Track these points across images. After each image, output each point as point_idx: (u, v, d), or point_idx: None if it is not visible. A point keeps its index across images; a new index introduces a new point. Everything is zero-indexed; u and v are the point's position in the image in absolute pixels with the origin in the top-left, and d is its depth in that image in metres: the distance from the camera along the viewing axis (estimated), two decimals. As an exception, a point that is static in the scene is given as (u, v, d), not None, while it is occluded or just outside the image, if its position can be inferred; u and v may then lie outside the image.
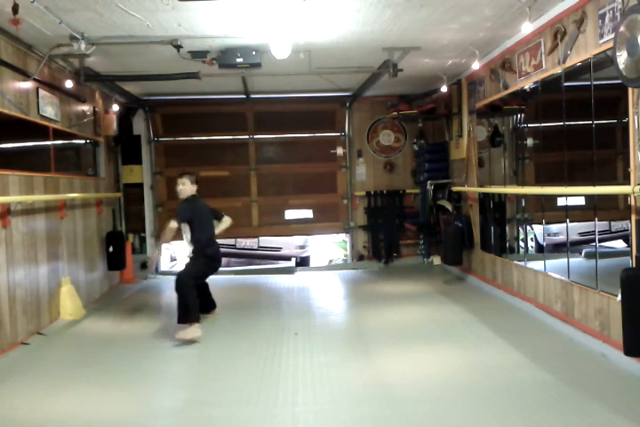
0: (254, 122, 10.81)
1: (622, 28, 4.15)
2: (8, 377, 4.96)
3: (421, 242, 10.83)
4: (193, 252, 6.34)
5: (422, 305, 7.37)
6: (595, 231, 5.70)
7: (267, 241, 12.60)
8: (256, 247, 12.71)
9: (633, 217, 4.57)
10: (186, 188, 6.39)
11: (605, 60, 4.84)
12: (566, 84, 5.68)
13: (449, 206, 9.65)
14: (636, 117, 4.44)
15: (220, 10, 5.43)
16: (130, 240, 10.08)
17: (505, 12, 5.76)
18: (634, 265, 4.57)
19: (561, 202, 6.28)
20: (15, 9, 4.81)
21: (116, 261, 8.90)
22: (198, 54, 6.87)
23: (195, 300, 6.09)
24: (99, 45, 6.25)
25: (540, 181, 7.44)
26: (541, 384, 4.42)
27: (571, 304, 5.76)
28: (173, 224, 6.16)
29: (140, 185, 10.56)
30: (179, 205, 6.47)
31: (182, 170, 6.82)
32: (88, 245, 8.10)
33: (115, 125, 9.10)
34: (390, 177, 10.97)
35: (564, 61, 5.62)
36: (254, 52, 6.78)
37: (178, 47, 6.41)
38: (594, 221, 5.54)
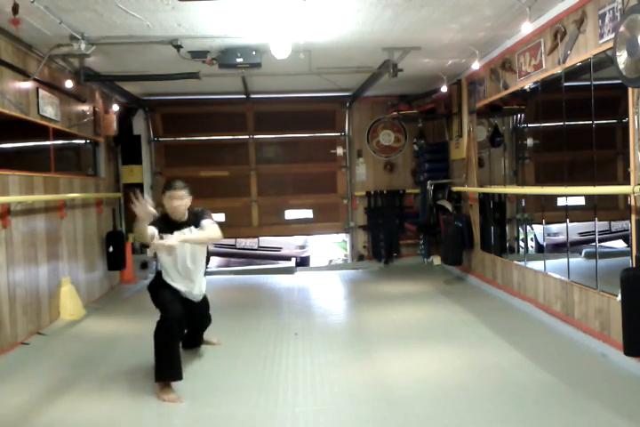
0: (254, 122, 10.81)
1: (622, 28, 4.15)
2: (8, 377, 4.95)
3: (421, 242, 10.82)
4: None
5: (422, 305, 7.37)
6: (595, 231, 5.70)
7: (267, 241, 12.60)
8: (256, 247, 12.71)
9: (633, 217, 4.57)
10: (187, 202, 4.86)
11: (605, 60, 4.84)
12: (566, 84, 5.68)
13: (449, 206, 9.65)
14: (635, 117, 4.44)
15: (220, 10, 5.43)
16: (130, 240, 10.06)
17: (505, 12, 5.76)
18: (634, 265, 4.57)
19: (561, 202, 6.28)
20: (15, 9, 4.80)
21: (116, 261, 8.89)
22: (198, 54, 6.87)
23: None
24: (99, 45, 6.25)
25: (539, 181, 7.44)
26: (541, 384, 4.42)
27: (571, 304, 5.76)
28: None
29: (140, 185, 10.55)
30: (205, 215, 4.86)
31: (169, 178, 4.83)
32: (88, 245, 8.10)
33: (115, 125, 9.10)
34: (390, 177, 10.97)
35: (564, 61, 5.62)
36: (254, 52, 6.78)
37: (178, 47, 6.41)
38: (594, 221, 5.55)
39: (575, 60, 5.41)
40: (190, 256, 4.89)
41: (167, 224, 4.78)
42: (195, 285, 4.99)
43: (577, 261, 6.27)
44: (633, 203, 4.51)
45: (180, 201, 4.77)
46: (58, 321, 6.73)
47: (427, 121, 10.39)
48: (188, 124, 10.69)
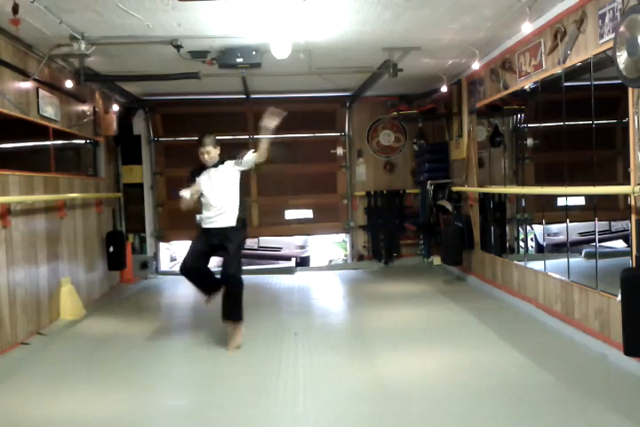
0: (254, 122, 10.76)
1: (622, 28, 4.15)
2: (8, 377, 4.95)
3: (421, 242, 10.82)
4: (239, 221, 5.81)
5: (422, 305, 7.37)
6: (595, 231, 5.70)
7: (267, 241, 12.59)
8: (256, 247, 12.69)
9: (633, 217, 4.57)
10: (213, 154, 5.71)
11: (605, 60, 4.84)
12: (566, 84, 5.68)
13: (449, 206, 9.64)
14: (636, 117, 4.44)
15: (220, 10, 5.43)
16: (130, 240, 10.07)
17: (505, 12, 5.76)
18: (634, 265, 4.57)
19: (561, 202, 6.28)
20: (15, 9, 4.80)
21: (116, 261, 8.89)
22: (198, 54, 6.87)
23: None
24: (99, 45, 6.25)
25: (539, 181, 7.44)
26: (541, 384, 4.42)
27: (571, 304, 5.76)
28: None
29: (140, 185, 10.56)
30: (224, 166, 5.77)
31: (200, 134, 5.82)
32: (88, 245, 8.10)
33: (115, 125, 9.10)
34: (390, 177, 10.97)
35: (564, 61, 5.62)
36: (254, 52, 6.78)
37: (178, 47, 6.41)
38: (594, 221, 5.54)
39: (575, 60, 5.41)
40: None
41: (201, 169, 5.83)
42: None
43: (577, 261, 6.27)
44: (633, 203, 4.51)
45: (208, 155, 5.72)
46: (58, 321, 6.73)
47: (427, 121, 10.38)
48: (188, 124, 10.66)
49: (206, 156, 5.73)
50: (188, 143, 10.73)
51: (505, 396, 4.23)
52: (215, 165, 5.79)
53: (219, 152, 5.79)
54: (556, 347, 5.38)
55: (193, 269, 5.82)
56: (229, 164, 5.79)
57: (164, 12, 5.41)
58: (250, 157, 5.77)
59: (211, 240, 5.76)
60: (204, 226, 5.83)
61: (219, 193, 5.77)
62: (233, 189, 5.85)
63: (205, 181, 5.80)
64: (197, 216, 5.89)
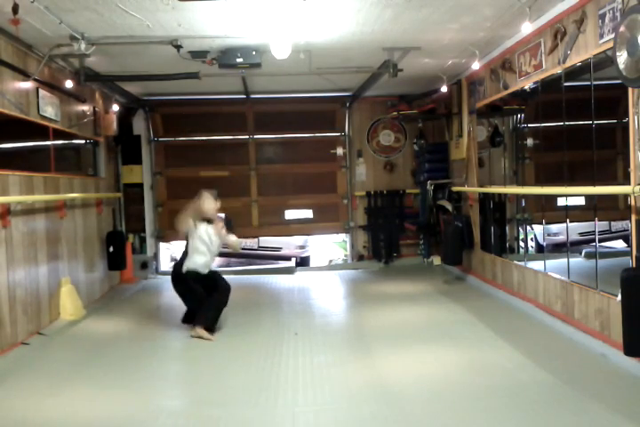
0: (254, 122, 10.80)
1: (622, 28, 4.15)
2: (8, 377, 4.95)
3: (421, 242, 10.82)
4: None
5: (422, 305, 7.37)
6: (595, 231, 5.70)
7: (267, 241, 12.59)
8: (256, 247, 12.70)
9: (633, 217, 4.57)
10: (215, 206, 6.42)
11: (605, 60, 4.84)
12: (566, 84, 5.68)
13: (449, 206, 9.65)
14: (636, 117, 4.44)
15: (220, 10, 5.43)
16: (130, 240, 10.07)
17: (505, 12, 5.76)
18: (634, 265, 4.57)
19: (561, 202, 6.28)
20: (15, 9, 4.80)
21: (116, 261, 8.89)
22: (198, 54, 6.87)
23: None
24: (99, 45, 6.25)
25: (539, 181, 7.44)
26: (541, 384, 4.42)
27: (571, 304, 5.76)
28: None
29: (140, 185, 10.56)
30: (228, 220, 6.74)
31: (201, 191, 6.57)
32: (88, 245, 8.10)
33: (115, 125, 9.10)
34: (390, 177, 10.97)
35: (564, 61, 5.62)
36: (254, 52, 6.78)
37: (178, 47, 6.41)
38: (594, 221, 5.55)
39: (575, 60, 5.41)
40: None
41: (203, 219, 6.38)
42: None
43: (577, 261, 6.28)
44: (633, 203, 4.51)
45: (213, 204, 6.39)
46: (58, 321, 6.73)
47: (427, 121, 10.40)
48: (188, 124, 10.68)
49: (212, 207, 6.39)
50: (188, 143, 10.81)
51: (505, 396, 4.23)
52: (212, 220, 6.39)
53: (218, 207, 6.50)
54: (556, 347, 5.38)
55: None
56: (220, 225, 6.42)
57: (164, 12, 5.41)
58: (224, 236, 6.38)
59: (203, 282, 6.37)
60: (200, 270, 6.33)
61: (215, 246, 6.42)
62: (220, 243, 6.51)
63: (204, 233, 6.34)
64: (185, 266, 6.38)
